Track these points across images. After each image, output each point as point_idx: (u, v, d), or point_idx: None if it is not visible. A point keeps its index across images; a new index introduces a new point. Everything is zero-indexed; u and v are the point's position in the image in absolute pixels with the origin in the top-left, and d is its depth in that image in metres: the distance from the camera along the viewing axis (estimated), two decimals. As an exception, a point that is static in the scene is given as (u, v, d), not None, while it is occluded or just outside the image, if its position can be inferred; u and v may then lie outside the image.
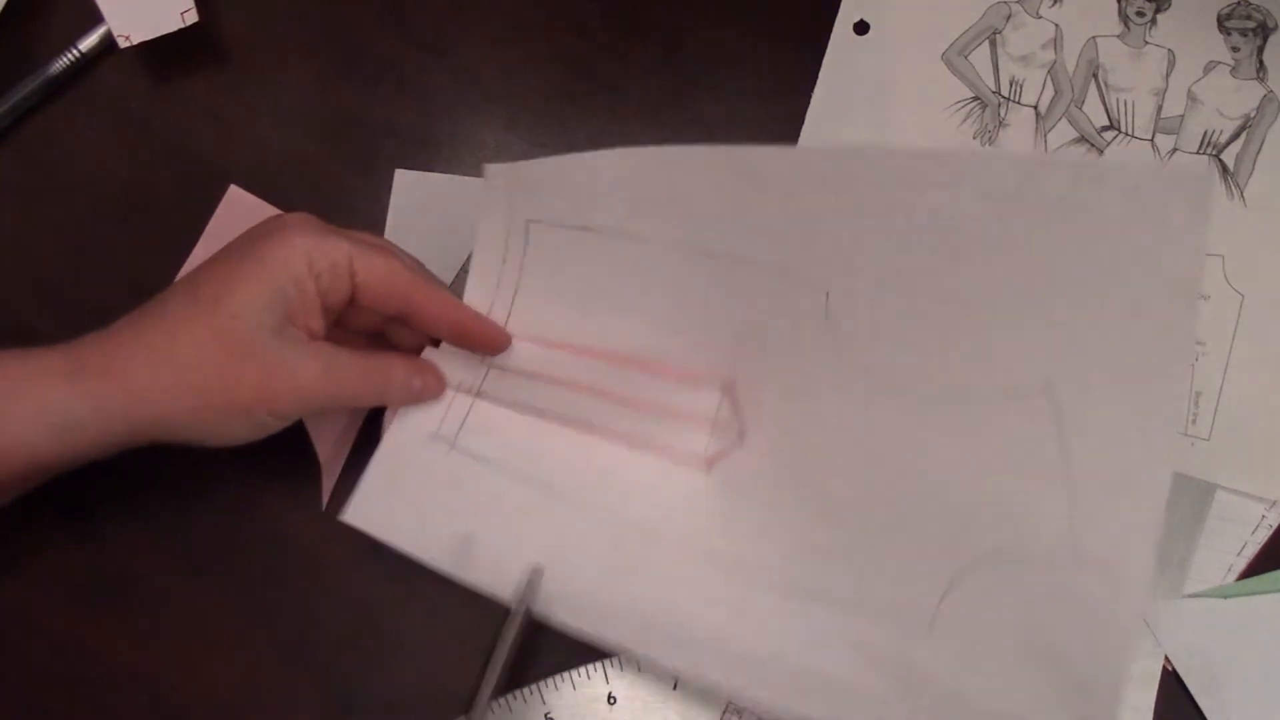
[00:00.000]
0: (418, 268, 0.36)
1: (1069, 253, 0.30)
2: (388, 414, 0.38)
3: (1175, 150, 0.42)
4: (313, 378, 0.33)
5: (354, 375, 0.34)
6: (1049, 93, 0.43)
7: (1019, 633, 0.32)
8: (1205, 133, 0.42)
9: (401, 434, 0.37)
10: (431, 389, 0.37)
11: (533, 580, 0.35)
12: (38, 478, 0.33)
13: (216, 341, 0.31)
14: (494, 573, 0.36)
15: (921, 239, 0.32)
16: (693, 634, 0.35)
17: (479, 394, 0.38)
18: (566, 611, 0.35)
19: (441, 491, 0.37)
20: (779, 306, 0.35)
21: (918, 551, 0.34)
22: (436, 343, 0.38)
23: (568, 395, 0.38)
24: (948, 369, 0.33)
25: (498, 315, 0.38)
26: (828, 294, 0.34)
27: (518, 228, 0.37)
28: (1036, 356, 0.31)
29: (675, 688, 0.37)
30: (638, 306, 0.37)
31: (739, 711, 0.37)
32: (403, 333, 0.38)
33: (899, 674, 0.33)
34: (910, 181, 0.32)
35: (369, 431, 0.39)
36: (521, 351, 0.38)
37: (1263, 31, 0.42)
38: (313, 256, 0.32)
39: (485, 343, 0.37)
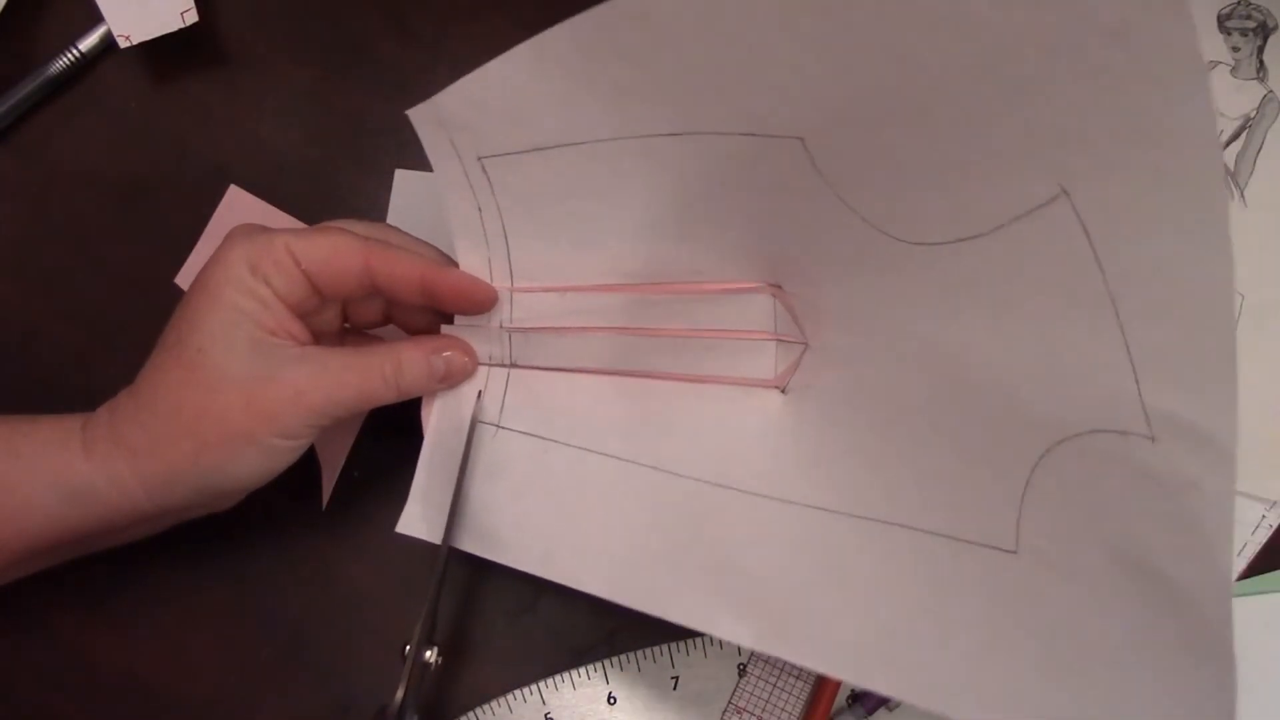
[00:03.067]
0: (379, 235, 0.34)
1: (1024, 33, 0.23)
2: (424, 411, 0.35)
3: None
4: (304, 381, 0.31)
5: (352, 368, 0.32)
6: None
7: (1104, 536, 0.27)
8: (1205, 133, 0.42)
9: (441, 426, 0.35)
10: (459, 366, 0.35)
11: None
12: (65, 547, 0.33)
13: (190, 380, 0.31)
14: (581, 559, 0.33)
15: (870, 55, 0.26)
16: (798, 606, 0.30)
17: (512, 364, 0.35)
18: (644, 593, 0.31)
19: (500, 481, 0.35)
20: (766, 173, 0.31)
21: (991, 448, 0.29)
22: (450, 320, 0.35)
23: (606, 342, 0.35)
24: (952, 197, 0.27)
25: (499, 271, 0.35)
26: (803, 141, 0.29)
27: (474, 169, 0.33)
28: (1039, 162, 0.25)
29: (675, 688, 0.37)
30: (632, 218, 0.33)
31: (739, 711, 0.37)
32: (409, 318, 0.36)
33: (986, 595, 0.29)
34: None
35: (373, 431, 0.40)
36: (540, 304, 0.35)
37: (1263, 31, 0.42)
38: (253, 261, 0.31)
39: (460, 298, 0.34)
